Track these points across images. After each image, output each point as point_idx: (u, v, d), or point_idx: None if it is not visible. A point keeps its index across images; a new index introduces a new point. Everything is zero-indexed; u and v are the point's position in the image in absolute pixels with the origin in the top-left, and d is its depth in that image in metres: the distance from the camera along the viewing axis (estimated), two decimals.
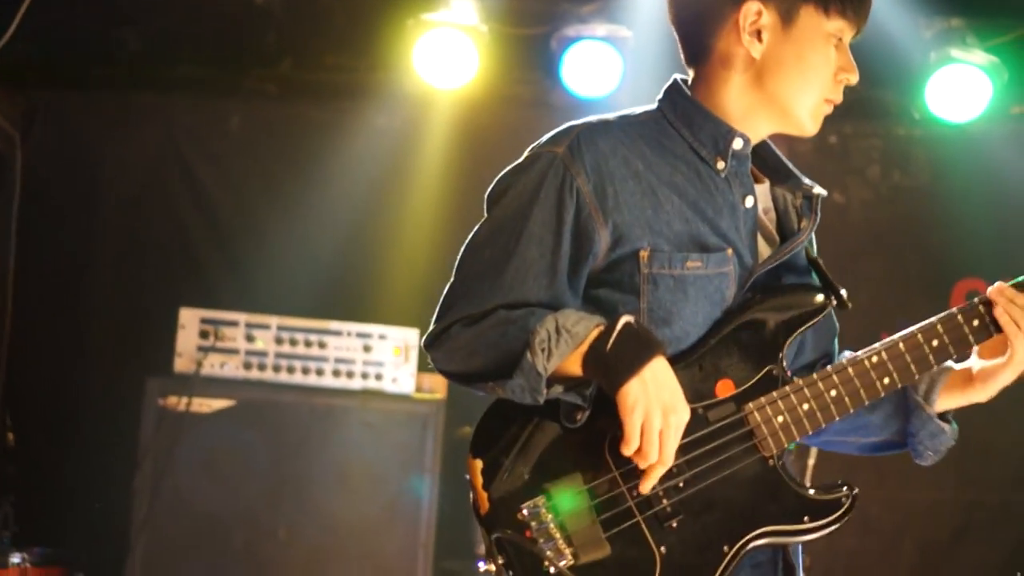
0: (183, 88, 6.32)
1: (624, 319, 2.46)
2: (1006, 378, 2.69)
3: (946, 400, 2.73)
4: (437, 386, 5.56)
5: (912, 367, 2.62)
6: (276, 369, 5.56)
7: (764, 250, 2.66)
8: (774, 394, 2.57)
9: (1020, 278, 2.66)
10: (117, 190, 6.36)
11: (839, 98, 2.65)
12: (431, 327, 2.59)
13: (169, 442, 5.38)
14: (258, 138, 6.39)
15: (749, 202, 2.64)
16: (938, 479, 5.83)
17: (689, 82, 2.70)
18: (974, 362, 2.73)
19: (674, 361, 2.51)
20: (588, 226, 2.54)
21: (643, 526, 2.50)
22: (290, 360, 5.58)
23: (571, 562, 2.48)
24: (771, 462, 2.56)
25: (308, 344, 5.58)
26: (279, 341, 5.58)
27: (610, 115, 2.65)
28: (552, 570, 2.47)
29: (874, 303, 5.99)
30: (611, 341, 2.44)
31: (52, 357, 6.23)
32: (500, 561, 2.50)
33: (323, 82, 6.24)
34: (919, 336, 2.62)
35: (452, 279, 2.60)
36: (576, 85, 5.85)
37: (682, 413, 2.46)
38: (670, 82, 2.71)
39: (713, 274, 2.57)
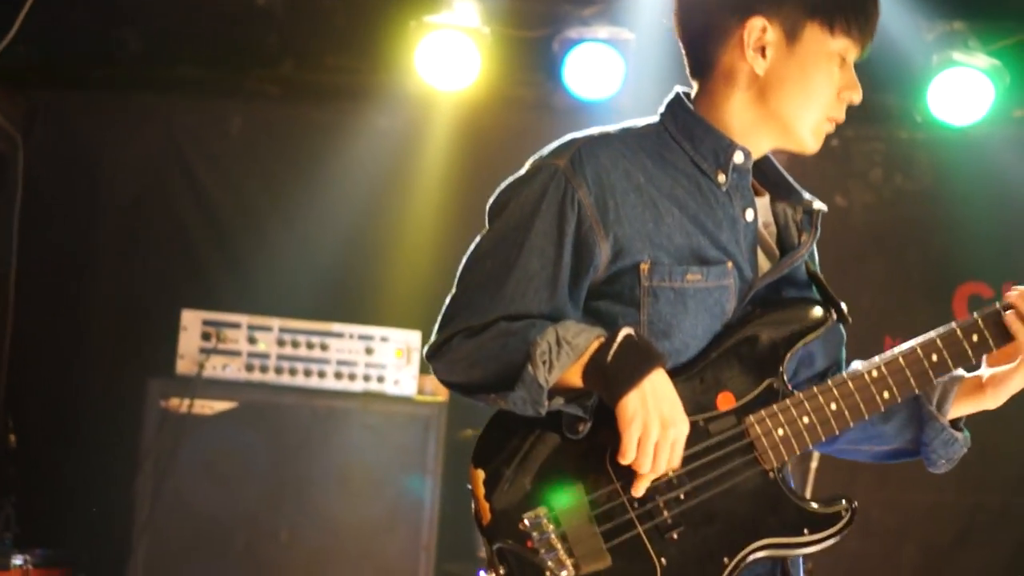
0: (184, 89, 6.32)
1: (625, 331, 2.47)
2: (1016, 384, 2.70)
3: (957, 408, 2.74)
4: (439, 388, 5.56)
5: (912, 381, 2.62)
6: (278, 371, 5.57)
7: (764, 264, 2.66)
8: (774, 407, 2.57)
9: None
10: (118, 191, 6.36)
11: (841, 116, 2.65)
12: (432, 338, 2.60)
13: (171, 444, 5.39)
14: (259, 139, 6.39)
15: (749, 215, 2.64)
16: (940, 481, 5.78)
17: (692, 94, 2.70)
18: (983, 369, 2.74)
19: (675, 374, 2.51)
20: (589, 239, 2.54)
21: (644, 537, 2.51)
22: (292, 362, 5.58)
23: (572, 573, 2.48)
24: (771, 475, 2.56)
25: (310, 346, 5.59)
26: (281, 343, 5.59)
27: (611, 127, 2.65)
28: None
29: (876, 306, 6.00)
30: (611, 353, 2.44)
31: (54, 358, 6.23)
32: (502, 571, 2.50)
33: (325, 83, 6.24)
34: (919, 351, 2.63)
35: (453, 290, 2.61)
36: (578, 87, 5.84)
37: (681, 425, 2.47)
38: (672, 95, 2.71)
39: (713, 287, 2.57)
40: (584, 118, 5.81)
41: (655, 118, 2.69)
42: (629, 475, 2.49)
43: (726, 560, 2.52)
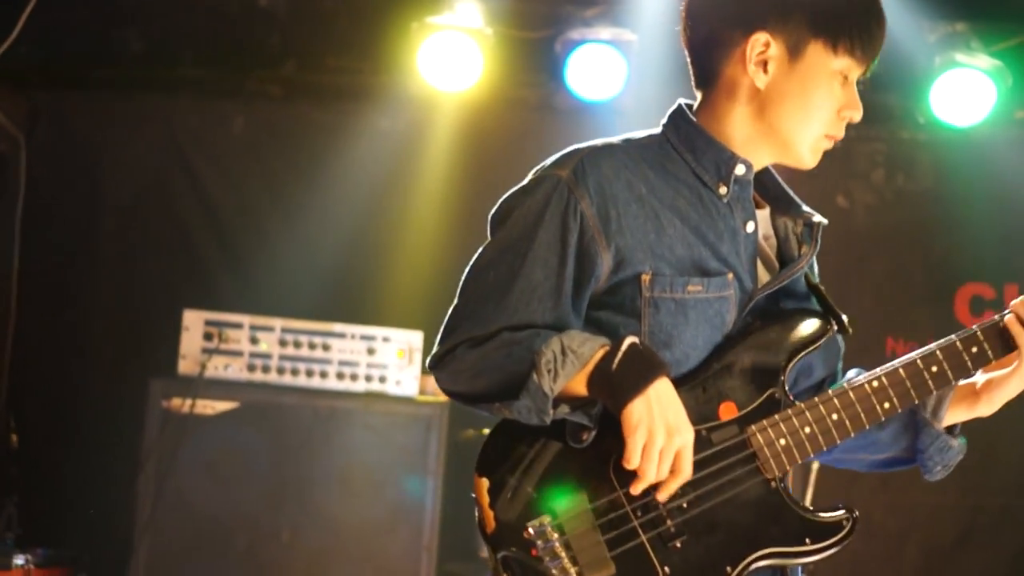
0: (186, 89, 6.32)
1: (629, 339, 2.48)
2: (1012, 390, 2.71)
3: (952, 415, 2.76)
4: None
5: (912, 392, 2.64)
6: (280, 371, 5.57)
7: (764, 276, 2.67)
8: (776, 417, 2.58)
9: None
10: (120, 191, 6.36)
11: (841, 134, 2.67)
12: (435, 349, 2.61)
13: (172, 444, 5.39)
14: (261, 140, 6.38)
15: (750, 227, 2.65)
16: (941, 484, 5.75)
17: (695, 105, 2.70)
18: (978, 376, 2.75)
19: (677, 383, 2.52)
20: (591, 249, 2.55)
21: (647, 546, 2.51)
22: (294, 362, 5.59)
23: None
24: (773, 484, 2.57)
25: (312, 346, 5.59)
26: (283, 343, 5.59)
27: (614, 138, 2.66)
28: None
29: (878, 307, 5.99)
30: (616, 361, 2.45)
31: (56, 358, 6.24)
32: None
33: (327, 84, 6.24)
34: (919, 363, 2.64)
35: (456, 301, 2.61)
36: (580, 88, 5.85)
37: (686, 433, 2.48)
38: (674, 107, 2.71)
39: (714, 298, 2.58)
40: (586, 119, 5.88)
41: (657, 129, 2.70)
42: (633, 483, 2.49)
43: (728, 569, 2.53)
